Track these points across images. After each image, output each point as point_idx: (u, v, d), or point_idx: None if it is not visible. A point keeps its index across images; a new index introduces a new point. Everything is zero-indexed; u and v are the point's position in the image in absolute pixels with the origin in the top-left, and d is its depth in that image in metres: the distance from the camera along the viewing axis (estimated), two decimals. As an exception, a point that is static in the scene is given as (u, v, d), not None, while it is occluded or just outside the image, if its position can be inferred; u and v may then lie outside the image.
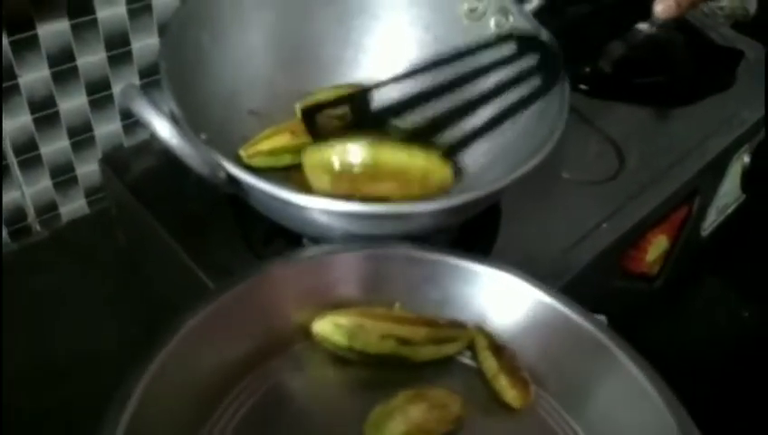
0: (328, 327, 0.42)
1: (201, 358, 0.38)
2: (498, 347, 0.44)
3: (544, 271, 0.57)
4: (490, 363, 0.44)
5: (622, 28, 0.51)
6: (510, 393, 0.43)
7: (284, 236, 0.55)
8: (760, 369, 0.78)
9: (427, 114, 0.52)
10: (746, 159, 0.78)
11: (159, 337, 0.37)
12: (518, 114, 0.52)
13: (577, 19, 0.54)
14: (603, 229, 0.62)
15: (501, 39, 0.54)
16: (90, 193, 0.68)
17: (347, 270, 0.44)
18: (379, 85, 0.52)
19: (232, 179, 0.42)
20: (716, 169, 0.75)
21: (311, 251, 0.46)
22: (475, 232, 0.59)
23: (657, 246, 0.68)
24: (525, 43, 0.53)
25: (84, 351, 0.60)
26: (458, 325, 0.45)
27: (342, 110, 0.52)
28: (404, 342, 0.43)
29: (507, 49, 0.54)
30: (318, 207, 0.43)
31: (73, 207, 0.67)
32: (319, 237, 0.54)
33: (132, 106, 0.37)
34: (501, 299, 0.45)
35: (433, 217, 0.47)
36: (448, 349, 0.45)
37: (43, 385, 0.57)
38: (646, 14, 0.50)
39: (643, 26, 0.84)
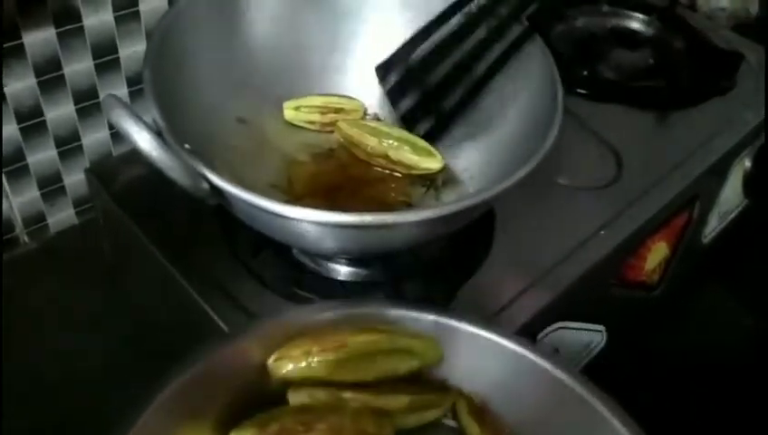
0: (303, 397, 0.40)
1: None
2: (480, 410, 0.43)
3: (541, 280, 0.56)
4: (473, 429, 0.42)
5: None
6: None
7: (272, 246, 0.54)
8: (762, 376, 0.76)
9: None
10: (748, 163, 0.76)
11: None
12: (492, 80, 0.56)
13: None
14: (601, 237, 0.61)
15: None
16: (78, 203, 0.67)
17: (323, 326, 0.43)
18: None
19: (215, 190, 0.41)
20: (717, 174, 0.73)
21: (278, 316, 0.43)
22: (470, 240, 0.58)
23: (656, 254, 0.67)
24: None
25: (71, 364, 0.59)
26: (439, 386, 0.44)
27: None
28: (384, 413, 0.41)
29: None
30: (304, 218, 0.42)
31: (61, 217, 0.66)
32: (306, 248, 0.53)
33: (112, 117, 0.36)
34: (479, 356, 0.43)
35: (424, 226, 0.46)
36: (430, 415, 0.43)
37: (29, 399, 0.56)
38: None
39: (642, 29, 0.83)
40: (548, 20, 0.59)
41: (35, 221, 0.65)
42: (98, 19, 0.59)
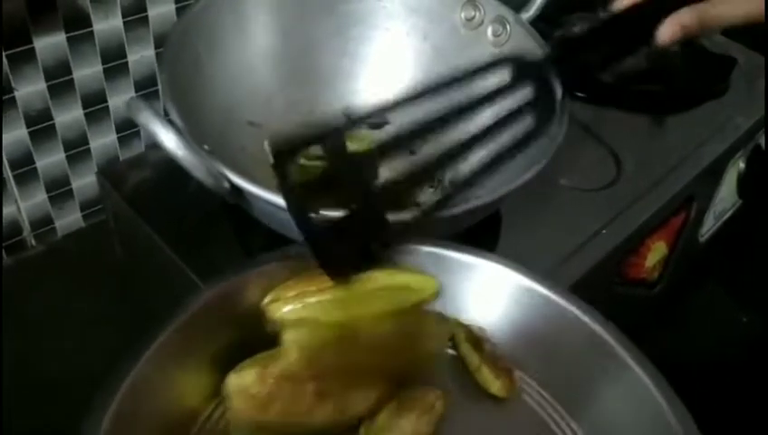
0: (299, 337, 0.39)
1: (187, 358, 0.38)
2: (478, 339, 0.44)
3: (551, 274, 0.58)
4: (471, 356, 0.43)
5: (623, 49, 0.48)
6: (494, 385, 0.42)
7: (284, 243, 0.55)
8: (759, 372, 0.78)
9: (408, 158, 0.43)
10: (742, 164, 0.78)
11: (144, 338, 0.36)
12: (509, 160, 0.43)
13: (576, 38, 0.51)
14: (602, 236, 0.62)
15: (496, 63, 0.45)
16: (85, 206, 0.67)
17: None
18: (355, 122, 0.41)
19: (235, 189, 0.42)
20: (712, 175, 0.75)
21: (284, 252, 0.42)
22: (475, 240, 0.59)
23: (656, 252, 0.68)
24: (521, 69, 0.44)
25: (80, 366, 0.59)
26: (437, 318, 0.43)
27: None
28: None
29: (502, 75, 0.45)
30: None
31: (69, 220, 0.67)
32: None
33: (138, 118, 0.37)
34: (476, 286, 0.44)
35: (434, 226, 0.47)
36: (430, 346, 0.44)
37: (37, 402, 0.56)
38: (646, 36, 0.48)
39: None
40: (547, 27, 0.60)
41: (43, 224, 0.65)
42: (107, 24, 0.59)
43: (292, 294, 0.39)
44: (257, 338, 0.39)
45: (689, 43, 0.81)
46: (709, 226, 0.80)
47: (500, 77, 0.45)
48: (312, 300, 0.39)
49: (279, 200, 0.42)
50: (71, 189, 0.65)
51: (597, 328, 0.41)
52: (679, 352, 0.74)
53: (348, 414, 0.39)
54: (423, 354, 0.43)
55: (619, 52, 0.48)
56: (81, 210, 0.67)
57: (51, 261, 0.65)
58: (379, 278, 0.41)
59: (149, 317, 0.61)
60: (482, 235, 0.59)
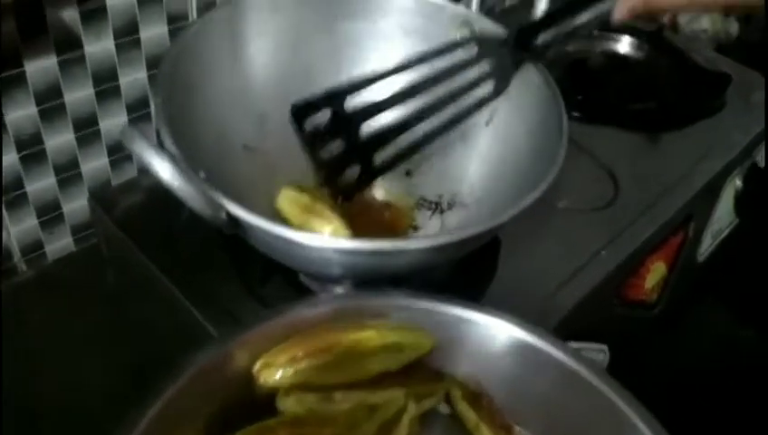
0: (293, 404, 0.39)
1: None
2: (475, 395, 0.43)
3: (545, 301, 0.57)
4: (469, 414, 0.42)
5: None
6: None
7: (281, 273, 0.54)
8: (758, 389, 0.78)
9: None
10: (738, 182, 0.78)
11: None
12: (463, 122, 0.54)
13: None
14: (601, 257, 0.61)
15: (465, 41, 0.55)
16: (76, 231, 0.66)
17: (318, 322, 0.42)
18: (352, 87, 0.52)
19: (233, 219, 0.41)
20: (710, 194, 0.75)
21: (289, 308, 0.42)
22: (474, 263, 0.58)
23: (655, 273, 0.68)
24: (486, 45, 0.54)
25: (69, 393, 0.58)
26: (433, 375, 0.43)
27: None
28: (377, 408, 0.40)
29: (467, 52, 0.54)
30: (322, 245, 0.42)
31: (59, 245, 0.66)
32: (316, 273, 0.53)
33: (132, 147, 0.36)
34: (472, 341, 0.43)
35: (432, 253, 0.46)
36: (425, 405, 0.42)
37: (26, 429, 0.55)
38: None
39: (632, 52, 0.84)
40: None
41: (33, 249, 0.64)
42: (99, 47, 0.58)
43: (284, 359, 0.39)
44: (252, 401, 0.38)
45: (684, 59, 0.81)
46: (707, 244, 0.80)
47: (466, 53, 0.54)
48: (304, 365, 0.38)
49: (277, 230, 0.41)
50: (61, 214, 0.64)
51: (597, 382, 0.39)
52: (680, 369, 0.73)
53: None
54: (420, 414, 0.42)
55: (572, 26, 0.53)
56: (73, 234, 0.66)
57: (41, 286, 0.64)
58: (372, 338, 0.41)
59: (141, 344, 0.61)
60: (480, 260, 0.58)
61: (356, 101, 0.52)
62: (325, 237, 0.42)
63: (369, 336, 0.40)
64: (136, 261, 0.55)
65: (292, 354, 0.39)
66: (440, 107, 0.54)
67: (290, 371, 0.38)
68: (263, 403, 0.39)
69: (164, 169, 0.37)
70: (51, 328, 0.61)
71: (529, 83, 0.55)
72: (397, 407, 0.40)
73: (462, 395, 0.42)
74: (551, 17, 0.54)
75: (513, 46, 0.54)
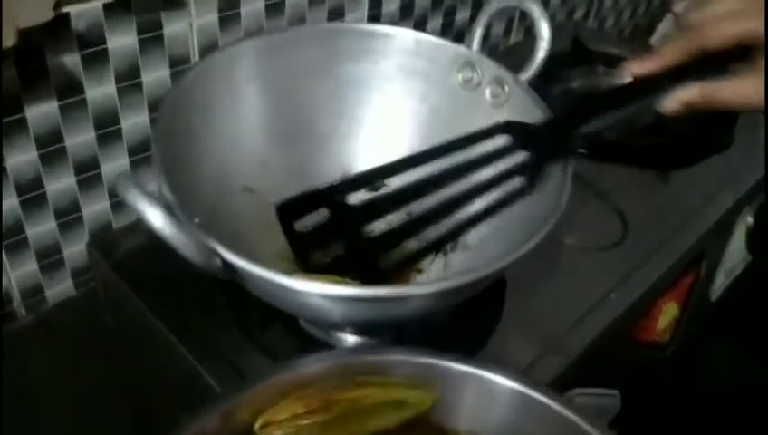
0: None
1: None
2: None
3: (553, 344, 0.55)
4: None
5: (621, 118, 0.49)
6: None
7: (281, 319, 0.53)
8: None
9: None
10: (750, 219, 0.77)
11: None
12: (499, 212, 0.50)
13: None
14: (612, 299, 0.60)
15: (495, 130, 0.51)
16: (77, 274, 0.65)
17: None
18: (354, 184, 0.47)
19: (228, 266, 0.40)
20: (722, 231, 0.73)
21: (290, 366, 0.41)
22: (481, 307, 0.57)
23: (667, 314, 0.66)
24: (518, 134, 0.50)
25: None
26: (434, 432, 0.42)
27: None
28: None
29: (500, 141, 0.51)
30: (317, 292, 0.41)
31: (60, 289, 0.65)
32: (315, 320, 0.52)
33: (126, 198, 0.36)
34: (474, 395, 0.42)
35: (434, 298, 0.45)
36: None
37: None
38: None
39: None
40: (546, 83, 0.59)
41: (33, 294, 0.63)
42: (101, 91, 0.58)
43: (284, 416, 0.38)
44: None
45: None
46: (720, 283, 0.78)
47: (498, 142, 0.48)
48: (306, 422, 0.38)
49: (273, 277, 0.40)
50: (62, 258, 0.63)
51: None
52: (694, 409, 0.71)
53: None
54: None
55: (616, 120, 0.49)
56: (73, 278, 0.65)
57: (41, 331, 0.63)
58: (374, 394, 0.40)
59: (140, 390, 0.59)
60: (486, 301, 0.57)
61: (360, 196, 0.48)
62: (321, 284, 0.40)
63: (370, 393, 0.40)
64: (132, 306, 0.54)
65: (293, 412, 0.38)
66: (462, 202, 0.48)
67: (291, 429, 0.38)
68: None
69: (156, 218, 0.36)
70: (51, 374, 0.60)
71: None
72: None
73: None
74: (591, 107, 0.49)
75: (550, 136, 0.49)
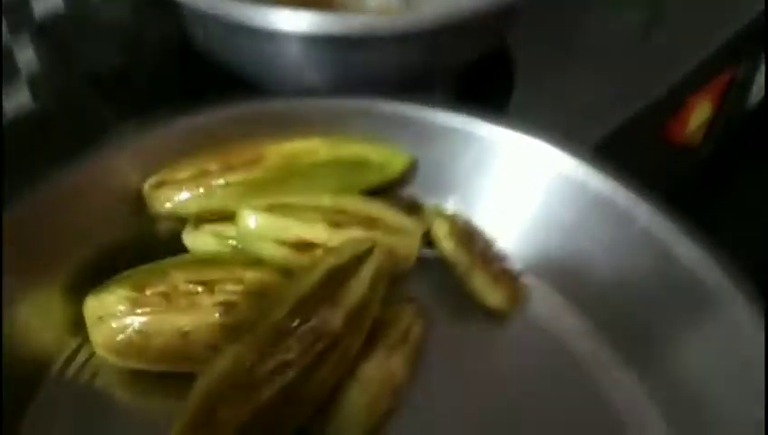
0: (204, 240, 0.28)
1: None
2: (467, 233, 0.32)
3: (570, 131, 0.49)
4: (459, 257, 0.31)
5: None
6: (492, 295, 0.31)
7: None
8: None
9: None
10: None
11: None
12: None
13: None
14: (638, 88, 0.53)
15: None
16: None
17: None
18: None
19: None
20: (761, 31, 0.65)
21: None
22: (481, 95, 0.50)
23: (699, 113, 0.59)
24: None
25: None
26: (407, 207, 0.33)
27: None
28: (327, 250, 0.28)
29: None
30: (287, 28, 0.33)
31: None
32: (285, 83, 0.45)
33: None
34: (465, 161, 0.32)
35: (429, 42, 0.36)
36: (399, 247, 0.31)
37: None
38: None
39: None
40: None
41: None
42: None
43: (187, 174, 0.27)
44: (146, 249, 0.28)
45: None
46: (760, 86, 0.71)
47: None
48: (219, 182, 0.27)
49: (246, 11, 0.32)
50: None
51: (645, 212, 0.30)
52: (730, 221, 0.65)
53: None
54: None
55: None
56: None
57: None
58: (320, 150, 0.29)
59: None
60: (489, 88, 0.50)
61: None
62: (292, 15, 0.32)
63: (317, 146, 0.29)
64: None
65: (199, 168, 0.27)
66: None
67: (198, 190, 0.27)
68: (167, 251, 0.28)
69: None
70: None
71: None
72: (354, 252, 0.28)
73: (449, 231, 0.32)
74: None
75: None
